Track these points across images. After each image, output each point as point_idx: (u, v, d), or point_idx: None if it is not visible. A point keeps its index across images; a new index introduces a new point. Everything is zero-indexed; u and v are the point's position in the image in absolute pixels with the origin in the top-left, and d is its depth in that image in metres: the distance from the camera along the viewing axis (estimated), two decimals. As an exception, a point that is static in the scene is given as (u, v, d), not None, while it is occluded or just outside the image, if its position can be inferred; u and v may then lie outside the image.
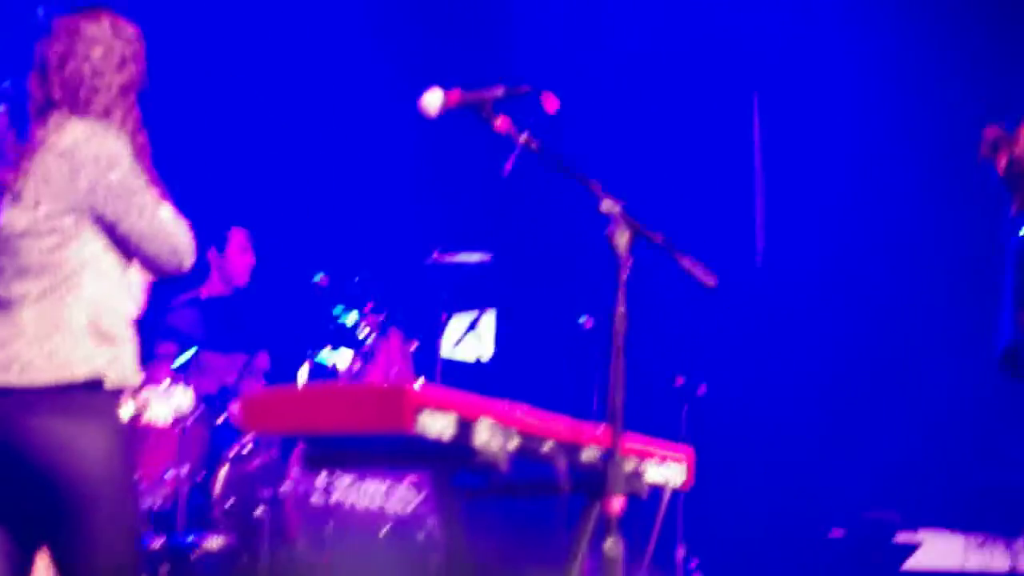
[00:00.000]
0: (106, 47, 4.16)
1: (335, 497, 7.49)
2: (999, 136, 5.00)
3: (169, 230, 3.98)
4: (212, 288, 8.14)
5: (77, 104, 4.06)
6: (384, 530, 7.46)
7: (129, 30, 4.23)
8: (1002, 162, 4.99)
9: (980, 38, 9.11)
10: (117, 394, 3.85)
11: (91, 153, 3.97)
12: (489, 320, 7.86)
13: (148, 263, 3.99)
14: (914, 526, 8.14)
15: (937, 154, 8.92)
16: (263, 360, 7.64)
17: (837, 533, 8.23)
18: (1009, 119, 5.00)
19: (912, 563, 8.02)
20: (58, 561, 3.84)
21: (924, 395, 8.71)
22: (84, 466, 3.78)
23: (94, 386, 3.82)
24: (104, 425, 3.82)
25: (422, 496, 6.49)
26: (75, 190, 3.97)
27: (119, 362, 3.89)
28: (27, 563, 3.89)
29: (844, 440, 9.07)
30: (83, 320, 3.88)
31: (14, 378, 3.83)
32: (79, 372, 3.83)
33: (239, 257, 8.28)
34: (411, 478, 6.53)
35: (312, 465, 3.78)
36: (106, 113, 4.08)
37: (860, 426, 9.13)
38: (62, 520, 3.79)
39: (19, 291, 3.95)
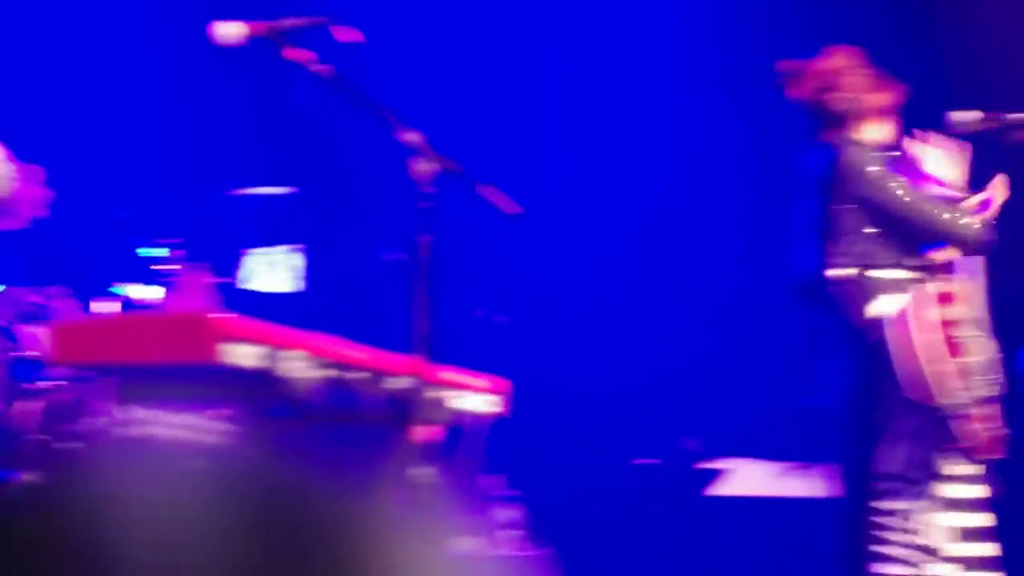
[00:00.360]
0: None
1: (148, 429, 7.44)
2: (797, 67, 5.14)
3: None
4: (3, 223, 8.00)
5: None
6: (199, 461, 7.43)
7: None
8: (801, 93, 5.14)
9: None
10: None
11: None
12: (296, 253, 7.86)
13: None
14: (718, 454, 8.30)
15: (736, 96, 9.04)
16: (64, 294, 7.54)
17: (644, 461, 8.36)
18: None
19: (714, 489, 8.18)
20: None
21: (728, 323, 8.85)
22: None
23: None
24: None
25: (236, 427, 6.48)
26: None
27: None
28: None
29: (652, 370, 9.20)
30: None
31: None
32: None
33: (32, 191, 8.14)
34: (225, 409, 6.51)
35: (122, 396, 3.77)
36: None
37: (667, 356, 9.27)
38: None
39: None
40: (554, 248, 9.36)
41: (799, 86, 5.13)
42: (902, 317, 4.69)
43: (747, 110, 7.55)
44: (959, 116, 4.96)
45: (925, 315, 4.68)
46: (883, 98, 5.13)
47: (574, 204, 9.57)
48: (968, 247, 4.91)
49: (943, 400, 4.62)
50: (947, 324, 4.69)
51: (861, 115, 5.09)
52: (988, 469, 4.79)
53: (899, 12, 8.57)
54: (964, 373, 4.69)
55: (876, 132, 5.12)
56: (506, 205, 4.02)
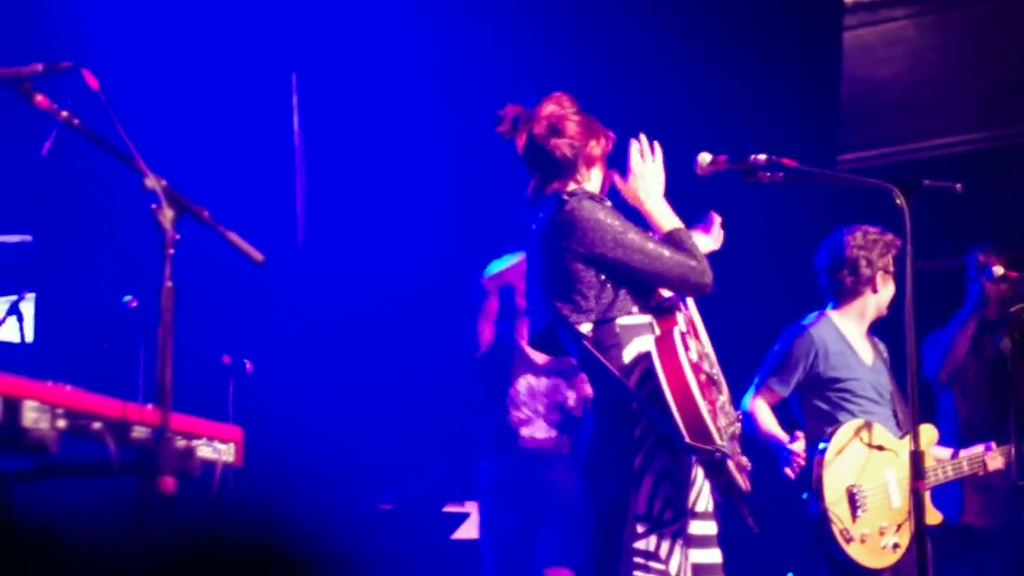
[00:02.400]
0: None
1: None
2: (519, 114, 5.08)
3: None
4: None
5: None
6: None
7: None
8: (520, 140, 5.09)
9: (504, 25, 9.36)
10: None
11: None
12: (29, 302, 7.70)
13: None
14: (461, 498, 8.34)
15: (469, 138, 9.14)
16: None
17: (387, 505, 8.35)
18: (530, 100, 5.10)
19: (461, 532, 8.22)
20: None
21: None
22: None
23: None
24: None
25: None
26: None
27: None
28: None
29: (385, 416, 9.24)
30: None
31: None
32: None
33: None
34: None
35: None
36: None
37: (400, 403, 9.32)
38: None
39: None
40: (291, 296, 9.34)
41: (520, 132, 5.09)
42: (652, 363, 4.71)
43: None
44: (704, 158, 5.17)
45: (674, 358, 4.70)
46: (599, 145, 5.14)
47: (309, 253, 9.56)
48: (699, 287, 4.96)
49: (700, 441, 4.64)
50: (694, 365, 4.73)
51: (585, 162, 5.09)
52: (734, 504, 4.87)
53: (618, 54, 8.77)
54: (715, 412, 4.74)
55: (595, 180, 5.11)
56: (251, 251, 3.99)
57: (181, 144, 8.87)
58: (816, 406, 6.78)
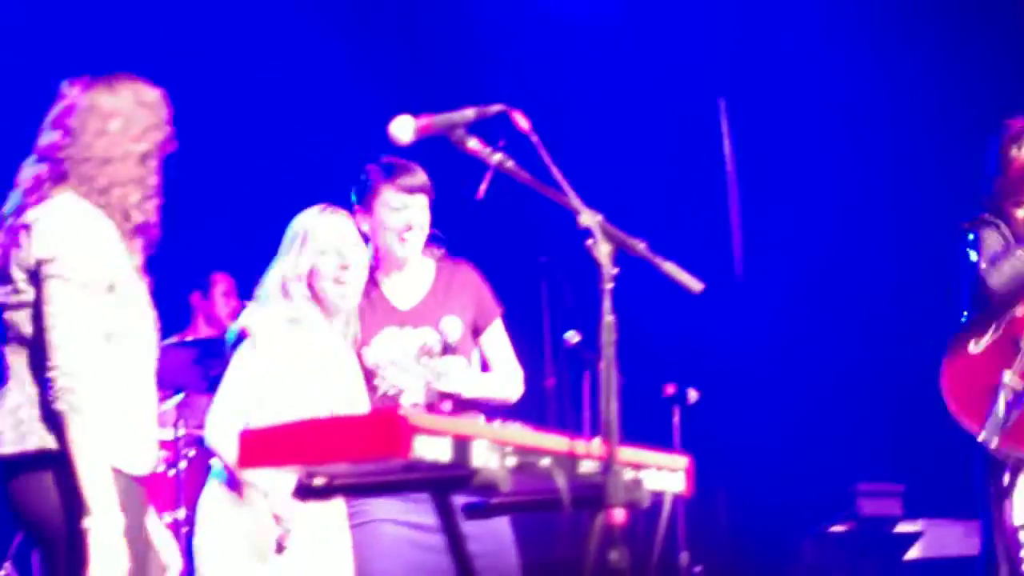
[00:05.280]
0: (125, 118, 4.21)
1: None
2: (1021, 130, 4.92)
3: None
4: (196, 331, 8.15)
5: (77, 177, 4.14)
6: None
7: (150, 95, 4.27)
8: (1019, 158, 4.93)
9: (958, 34, 9.14)
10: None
11: (48, 227, 4.12)
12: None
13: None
14: (914, 516, 8.17)
15: (909, 151, 8.96)
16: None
17: (838, 528, 8.25)
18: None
19: (914, 553, 8.05)
20: None
21: (909, 388, 8.72)
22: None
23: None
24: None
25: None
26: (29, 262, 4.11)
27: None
28: None
29: (834, 437, 9.10)
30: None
31: None
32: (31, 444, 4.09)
33: (222, 300, 8.30)
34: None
35: (306, 496, 3.78)
36: (103, 191, 4.17)
37: (848, 423, 9.17)
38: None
39: (7, 362, 4.18)
40: (730, 324, 9.32)
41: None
42: None
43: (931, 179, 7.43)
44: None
45: None
46: None
47: (747, 279, 9.52)
48: None
49: None
50: None
51: None
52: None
53: None
54: None
55: None
56: (689, 281, 3.98)
57: (613, 177, 8.97)
58: None
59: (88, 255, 4.14)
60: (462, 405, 5.60)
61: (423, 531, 5.39)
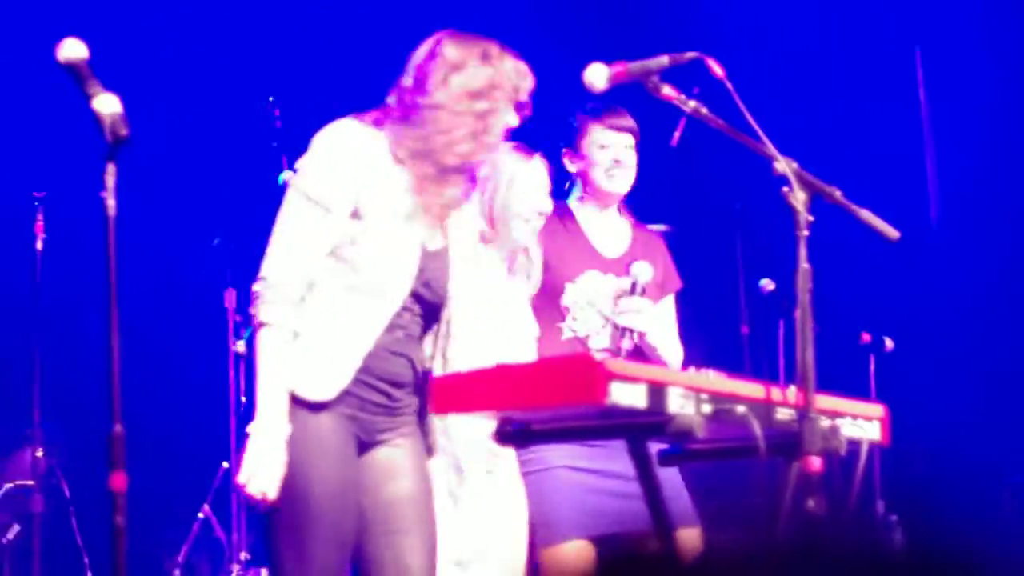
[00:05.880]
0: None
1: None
2: None
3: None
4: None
5: None
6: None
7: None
8: None
9: None
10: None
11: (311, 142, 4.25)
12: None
13: None
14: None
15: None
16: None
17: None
18: None
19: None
20: None
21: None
22: None
23: None
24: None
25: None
26: None
27: None
28: None
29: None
30: None
31: None
32: None
33: None
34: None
35: (506, 441, 3.82)
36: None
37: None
38: None
39: None
40: (925, 276, 9.21)
41: None
42: None
43: None
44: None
45: None
46: None
47: (943, 233, 9.39)
48: None
49: None
50: None
51: None
52: None
53: None
54: None
55: None
56: (886, 228, 3.96)
57: (807, 125, 8.89)
58: None
59: (328, 172, 4.15)
60: (638, 355, 5.60)
61: (601, 476, 5.42)
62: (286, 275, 4.10)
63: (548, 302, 5.57)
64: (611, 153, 5.74)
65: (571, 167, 5.79)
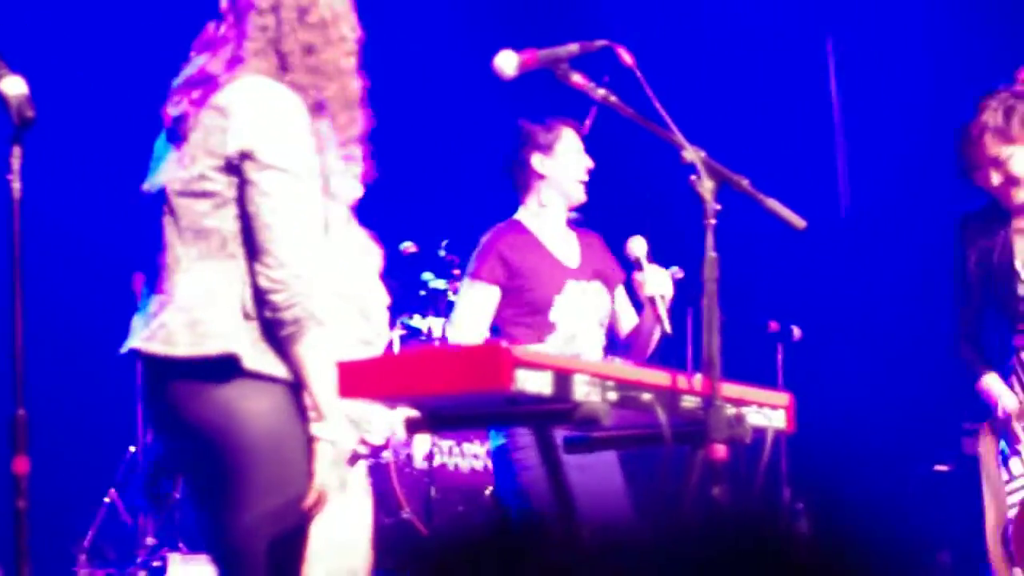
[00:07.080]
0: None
1: (437, 461, 7.56)
2: None
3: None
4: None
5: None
6: (489, 489, 7.52)
7: None
8: None
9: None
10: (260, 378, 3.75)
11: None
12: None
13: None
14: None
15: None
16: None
17: (941, 467, 8.20)
18: None
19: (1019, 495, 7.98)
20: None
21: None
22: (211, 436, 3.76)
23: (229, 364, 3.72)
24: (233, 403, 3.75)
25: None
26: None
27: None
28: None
29: (938, 376, 9.04)
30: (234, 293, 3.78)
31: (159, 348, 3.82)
32: (213, 348, 3.74)
33: None
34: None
35: (413, 429, 3.81)
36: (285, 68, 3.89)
37: (952, 362, 9.09)
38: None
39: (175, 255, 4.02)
40: (833, 264, 9.26)
41: None
42: None
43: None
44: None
45: None
46: None
47: (852, 222, 9.45)
48: None
49: None
50: None
51: None
52: None
53: None
54: None
55: None
56: (792, 218, 3.97)
57: (718, 114, 8.93)
58: None
59: (302, 141, 3.85)
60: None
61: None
62: (309, 265, 3.76)
63: (536, 318, 5.58)
64: (586, 161, 5.76)
65: (540, 167, 5.74)
